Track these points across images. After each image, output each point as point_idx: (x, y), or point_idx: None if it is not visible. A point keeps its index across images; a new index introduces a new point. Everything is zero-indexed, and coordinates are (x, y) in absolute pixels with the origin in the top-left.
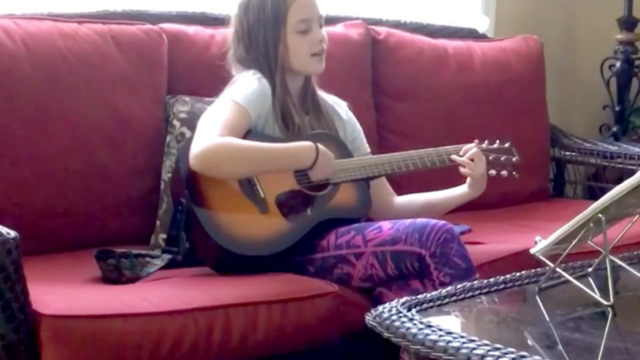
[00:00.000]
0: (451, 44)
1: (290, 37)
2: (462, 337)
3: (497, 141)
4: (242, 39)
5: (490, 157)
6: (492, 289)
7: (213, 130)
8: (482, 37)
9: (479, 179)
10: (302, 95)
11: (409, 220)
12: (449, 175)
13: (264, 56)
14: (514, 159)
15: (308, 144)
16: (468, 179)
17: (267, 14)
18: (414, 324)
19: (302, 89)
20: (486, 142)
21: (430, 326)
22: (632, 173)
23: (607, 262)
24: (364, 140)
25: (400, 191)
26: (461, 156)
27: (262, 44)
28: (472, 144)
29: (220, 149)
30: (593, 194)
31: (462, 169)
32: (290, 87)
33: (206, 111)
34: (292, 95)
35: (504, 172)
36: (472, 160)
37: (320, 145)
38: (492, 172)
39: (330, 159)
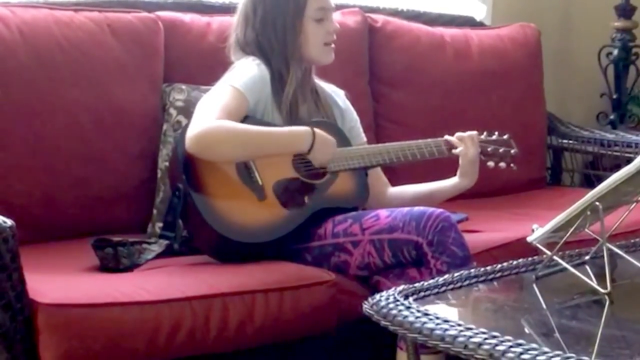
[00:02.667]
0: (448, 32)
1: (307, 24)
2: (459, 325)
3: (496, 132)
4: (254, 24)
5: (489, 149)
6: (489, 277)
7: (210, 113)
8: (479, 25)
9: (469, 163)
10: (305, 83)
11: (406, 209)
12: (450, 166)
13: (280, 43)
14: (512, 151)
15: (305, 128)
16: (459, 168)
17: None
18: (411, 312)
19: (303, 77)
20: (485, 133)
21: (428, 314)
22: (629, 161)
23: (604, 250)
24: (361, 130)
25: (396, 180)
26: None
27: (280, 30)
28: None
29: (216, 131)
30: (590, 182)
31: (454, 150)
32: (300, 75)
33: (204, 96)
34: (300, 83)
35: (502, 164)
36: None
37: (317, 130)
38: (491, 163)
39: (329, 143)
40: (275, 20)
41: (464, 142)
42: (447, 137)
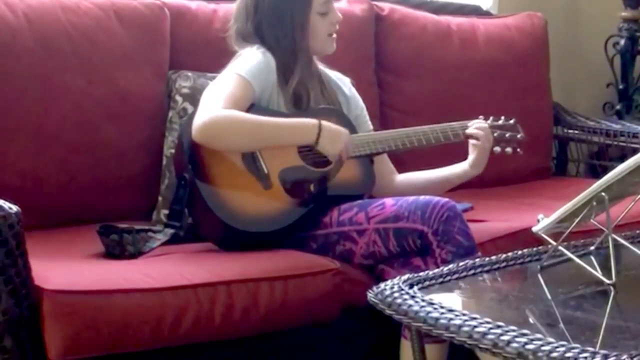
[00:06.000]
0: (455, 21)
1: (313, 18)
2: (464, 314)
3: (502, 117)
4: (253, 17)
5: (495, 134)
6: (494, 266)
7: (216, 102)
8: (485, 14)
9: (483, 155)
10: (308, 72)
11: (411, 198)
12: (452, 152)
13: (289, 36)
14: (518, 136)
15: (312, 120)
16: (470, 157)
17: None
18: (416, 302)
19: (308, 66)
20: (491, 118)
21: (432, 304)
22: (635, 151)
23: (610, 240)
24: (367, 117)
25: (402, 168)
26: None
27: (288, 26)
28: (478, 120)
29: (223, 121)
30: (595, 173)
31: (473, 142)
32: (307, 66)
33: (210, 84)
34: (307, 72)
35: (509, 149)
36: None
37: (325, 122)
38: (497, 149)
39: (339, 134)
40: (283, 16)
41: (482, 136)
42: (467, 131)
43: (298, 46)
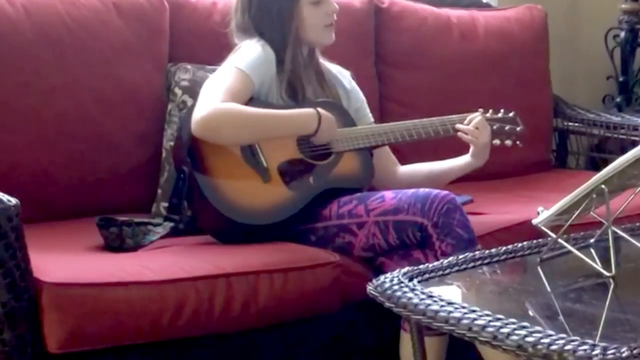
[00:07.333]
0: (455, 13)
1: (305, 9)
2: (464, 307)
3: (502, 110)
4: (249, 10)
5: (495, 127)
6: (494, 259)
7: (215, 96)
8: (485, 7)
9: (482, 148)
10: (307, 64)
11: (411, 190)
12: (453, 145)
13: (277, 29)
14: (518, 129)
15: (310, 110)
16: (471, 149)
17: None
18: (416, 294)
19: (307, 58)
20: (490, 111)
21: (432, 296)
22: (635, 144)
23: (610, 233)
24: (367, 110)
25: (402, 161)
26: (466, 125)
27: (277, 17)
28: (477, 113)
29: (222, 115)
30: (596, 165)
31: (465, 137)
32: (299, 58)
33: (209, 78)
34: (301, 65)
35: (508, 142)
36: (476, 128)
37: (321, 110)
38: (496, 141)
39: (331, 123)
40: (271, 7)
41: (476, 131)
42: (458, 125)
43: (288, 38)
